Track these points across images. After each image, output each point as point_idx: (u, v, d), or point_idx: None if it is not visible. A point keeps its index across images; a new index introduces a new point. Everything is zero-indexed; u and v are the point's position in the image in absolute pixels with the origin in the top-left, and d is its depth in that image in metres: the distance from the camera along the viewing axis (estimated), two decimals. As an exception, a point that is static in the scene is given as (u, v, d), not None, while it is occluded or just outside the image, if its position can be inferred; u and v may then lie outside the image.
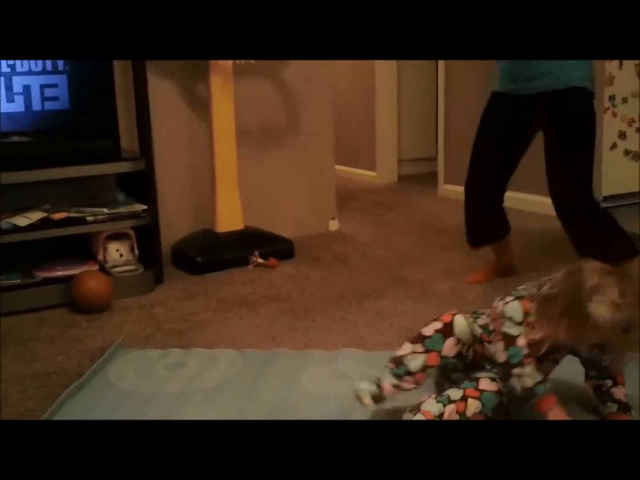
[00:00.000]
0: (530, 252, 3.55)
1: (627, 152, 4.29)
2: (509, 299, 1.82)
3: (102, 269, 3.11)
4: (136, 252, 3.19)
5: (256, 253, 3.47)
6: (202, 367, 2.33)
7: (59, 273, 3.05)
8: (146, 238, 3.19)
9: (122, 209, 3.14)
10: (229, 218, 3.58)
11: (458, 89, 4.98)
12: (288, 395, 2.12)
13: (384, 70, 5.66)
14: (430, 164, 5.54)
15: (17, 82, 2.96)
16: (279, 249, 3.58)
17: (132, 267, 3.16)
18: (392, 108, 5.75)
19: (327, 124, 4.12)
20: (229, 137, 3.51)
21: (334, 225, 4.20)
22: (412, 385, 1.88)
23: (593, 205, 2.79)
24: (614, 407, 1.83)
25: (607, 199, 4.20)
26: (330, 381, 2.21)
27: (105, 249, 3.15)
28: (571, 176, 2.73)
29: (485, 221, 3.05)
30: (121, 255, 3.18)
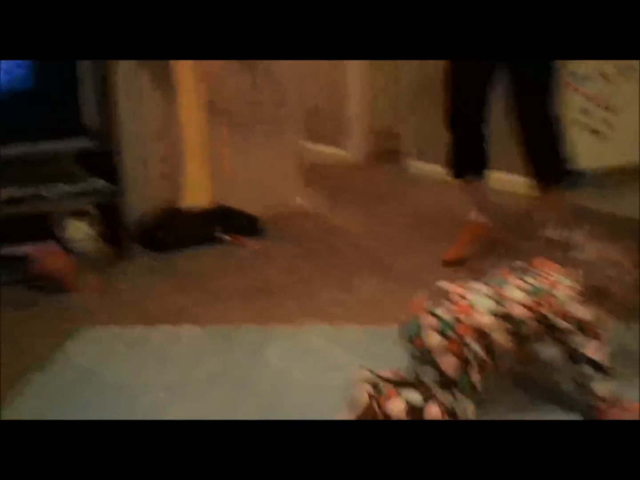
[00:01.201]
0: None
1: (588, 128, 4.31)
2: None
3: (64, 246, 3.05)
4: (99, 229, 3.14)
5: (221, 229, 3.44)
6: (165, 343, 2.30)
7: (20, 251, 2.99)
8: (109, 215, 3.14)
9: (83, 186, 3.08)
10: (195, 194, 3.54)
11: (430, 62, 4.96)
12: (252, 370, 2.10)
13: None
14: (400, 141, 5.52)
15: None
16: (245, 225, 3.55)
17: (94, 245, 3.11)
18: (363, 85, 5.72)
19: (297, 100, 4.08)
20: (197, 112, 3.46)
21: (302, 202, 4.18)
22: None
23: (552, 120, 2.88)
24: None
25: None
26: (295, 356, 2.20)
27: (66, 227, 3.10)
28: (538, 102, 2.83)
29: (470, 150, 3.04)
30: (83, 232, 3.13)
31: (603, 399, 1.79)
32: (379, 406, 1.64)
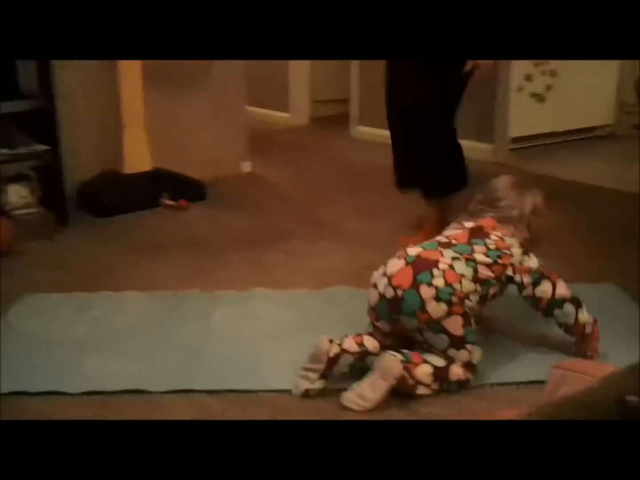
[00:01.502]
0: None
1: (532, 95, 4.37)
2: (494, 233, 1.97)
3: (2, 211, 2.98)
4: (38, 194, 3.07)
5: (166, 195, 3.40)
6: (109, 310, 2.28)
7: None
8: (49, 179, 3.07)
9: (21, 150, 3.00)
10: (137, 159, 3.48)
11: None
12: (198, 336, 2.10)
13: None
14: (344, 105, 5.51)
15: None
16: (190, 190, 3.51)
17: (34, 210, 3.05)
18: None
19: (238, 64, 4.03)
20: (136, 76, 3.39)
21: (246, 166, 4.15)
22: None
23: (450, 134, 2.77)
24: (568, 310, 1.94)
25: (515, 140, 4.30)
26: (241, 321, 2.20)
27: (4, 192, 3.02)
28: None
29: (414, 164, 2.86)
30: (22, 197, 3.06)
31: (589, 322, 1.96)
32: (409, 373, 1.77)
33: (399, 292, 1.82)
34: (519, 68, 4.24)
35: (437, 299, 1.79)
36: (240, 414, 1.73)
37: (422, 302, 1.79)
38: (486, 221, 2.03)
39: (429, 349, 1.84)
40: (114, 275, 2.59)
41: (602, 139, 4.76)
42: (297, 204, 3.49)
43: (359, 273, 2.58)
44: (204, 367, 1.92)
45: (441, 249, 1.91)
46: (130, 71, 3.37)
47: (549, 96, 4.44)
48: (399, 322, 1.84)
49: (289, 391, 1.82)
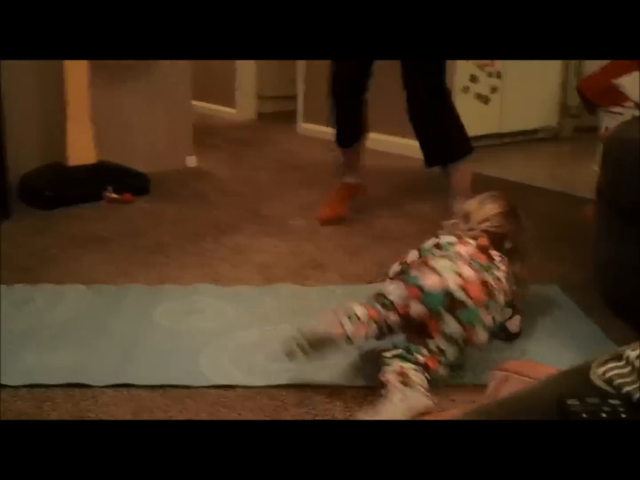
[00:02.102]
0: (384, 189, 3.63)
1: (477, 96, 4.43)
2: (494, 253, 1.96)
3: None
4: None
5: (110, 188, 3.35)
6: (49, 303, 2.24)
7: None
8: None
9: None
10: (81, 151, 3.42)
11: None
12: (140, 330, 2.08)
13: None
14: (290, 102, 5.51)
15: None
16: (134, 184, 3.47)
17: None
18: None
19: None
20: (81, 68, 3.33)
21: (191, 161, 4.12)
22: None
23: (445, 103, 2.88)
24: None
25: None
26: (184, 315, 2.18)
27: (-59, 181, 2.94)
28: (425, 80, 2.82)
29: (352, 121, 3.07)
30: (-40, 188, 2.98)
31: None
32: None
33: (469, 303, 1.78)
34: (464, 69, 4.29)
35: (485, 328, 1.82)
36: (181, 409, 1.72)
37: (478, 325, 1.80)
38: (483, 240, 1.99)
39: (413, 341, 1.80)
40: (54, 268, 2.55)
41: (545, 141, 4.85)
42: (242, 199, 3.47)
43: (303, 269, 2.59)
44: (145, 362, 1.90)
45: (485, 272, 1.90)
46: (76, 63, 3.32)
47: (494, 98, 4.51)
48: (436, 319, 1.78)
49: (231, 387, 1.81)
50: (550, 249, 2.82)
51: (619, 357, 0.78)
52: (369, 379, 1.87)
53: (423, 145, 2.94)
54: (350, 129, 3.09)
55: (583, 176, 3.30)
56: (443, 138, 2.91)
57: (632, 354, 0.76)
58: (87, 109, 3.39)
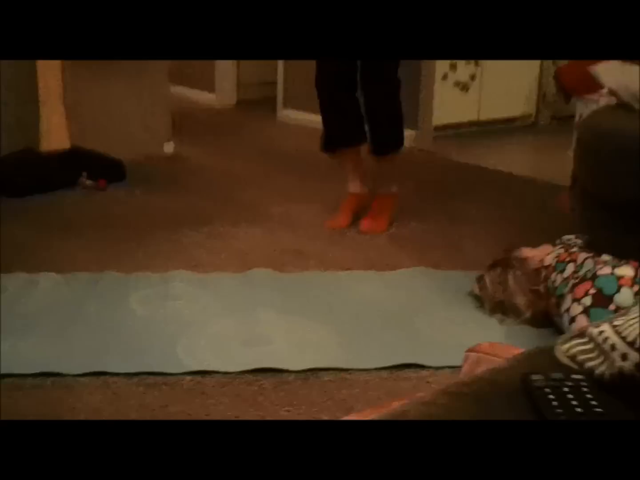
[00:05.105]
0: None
1: (456, 83, 4.43)
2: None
3: None
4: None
5: (84, 174, 3.31)
6: (23, 291, 2.21)
7: None
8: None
9: None
10: (54, 137, 3.37)
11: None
12: (115, 318, 2.06)
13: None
14: (271, 88, 5.47)
15: None
16: (109, 170, 3.42)
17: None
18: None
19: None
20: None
21: (169, 147, 4.08)
22: None
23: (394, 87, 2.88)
24: None
25: (438, 128, 4.35)
26: (160, 303, 2.16)
27: None
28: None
29: (340, 123, 2.93)
30: None
31: None
32: None
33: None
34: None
35: None
36: (157, 397, 1.71)
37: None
38: None
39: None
40: (28, 256, 2.51)
41: (523, 129, 4.87)
42: (219, 187, 3.45)
43: (280, 256, 2.57)
44: (121, 350, 1.89)
45: None
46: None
47: (473, 85, 4.51)
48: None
49: (208, 373, 1.80)
50: (525, 235, 2.83)
51: (582, 335, 0.80)
52: (344, 362, 1.87)
53: (373, 136, 2.92)
54: (342, 129, 2.93)
55: (559, 164, 3.31)
56: (392, 131, 2.95)
57: (594, 330, 0.78)
58: (60, 94, 3.34)
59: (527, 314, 2.07)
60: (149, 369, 1.80)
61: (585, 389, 0.71)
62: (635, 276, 1.92)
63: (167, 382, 1.77)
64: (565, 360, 0.78)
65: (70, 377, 1.76)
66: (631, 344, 0.73)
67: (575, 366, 0.77)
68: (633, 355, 0.72)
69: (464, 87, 4.49)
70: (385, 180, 2.98)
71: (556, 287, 2.03)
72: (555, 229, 2.83)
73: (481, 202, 3.22)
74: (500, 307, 2.12)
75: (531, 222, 3.02)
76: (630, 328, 0.74)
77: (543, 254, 2.19)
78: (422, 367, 1.87)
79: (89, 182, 3.30)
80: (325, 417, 1.64)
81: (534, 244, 2.75)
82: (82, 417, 1.60)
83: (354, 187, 3.02)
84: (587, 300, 1.90)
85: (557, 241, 2.26)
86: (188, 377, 1.79)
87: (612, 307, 1.86)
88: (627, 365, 0.72)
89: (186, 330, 1.99)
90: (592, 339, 0.77)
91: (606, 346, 0.75)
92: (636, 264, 1.95)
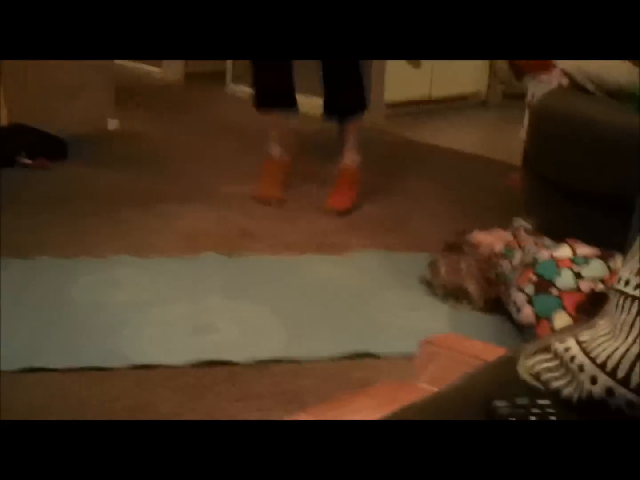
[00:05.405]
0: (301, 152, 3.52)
1: (408, 61, 4.38)
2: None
3: None
4: None
5: (23, 153, 3.18)
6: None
7: None
8: None
9: None
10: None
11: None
12: (54, 307, 1.96)
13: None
14: (219, 62, 5.35)
15: None
16: (49, 148, 3.29)
17: None
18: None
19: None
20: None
21: (113, 123, 3.94)
22: None
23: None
24: None
25: (390, 106, 4.30)
26: (102, 290, 2.08)
27: None
28: None
29: (274, 83, 2.93)
30: None
31: None
32: None
33: None
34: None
35: None
36: (99, 394, 1.63)
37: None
38: None
39: None
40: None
41: (475, 107, 4.85)
42: (167, 164, 3.34)
43: (230, 238, 2.50)
44: (59, 343, 1.80)
45: None
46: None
47: (425, 63, 4.46)
48: None
49: (153, 367, 1.73)
50: (476, 215, 2.81)
51: (547, 349, 0.74)
52: (296, 352, 1.82)
53: (334, 98, 2.89)
54: (272, 88, 2.94)
55: (510, 143, 3.30)
56: (353, 91, 2.89)
57: (560, 347, 0.72)
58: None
59: (480, 302, 2.04)
60: (90, 363, 1.73)
61: (552, 417, 0.65)
62: (574, 254, 1.90)
63: (110, 377, 1.69)
64: (528, 379, 0.72)
65: (5, 373, 1.67)
66: (602, 366, 0.66)
67: (539, 386, 0.71)
68: (603, 378, 0.66)
69: (415, 64, 4.44)
70: (348, 150, 2.92)
71: (506, 275, 2.01)
72: (506, 209, 2.82)
73: (433, 181, 3.19)
74: (453, 294, 2.09)
75: (483, 201, 3.00)
76: (600, 348, 0.67)
77: (494, 239, 2.16)
78: (375, 356, 1.83)
79: (28, 161, 3.17)
80: (277, 411, 1.59)
81: (486, 224, 2.73)
82: (19, 417, 1.52)
83: (274, 150, 3.00)
84: (530, 289, 1.87)
85: (510, 226, 2.24)
86: (132, 372, 1.72)
87: (554, 292, 1.84)
88: (597, 389, 0.66)
89: (130, 320, 1.92)
90: (557, 356, 0.72)
91: (573, 366, 0.69)
92: (573, 241, 1.94)
